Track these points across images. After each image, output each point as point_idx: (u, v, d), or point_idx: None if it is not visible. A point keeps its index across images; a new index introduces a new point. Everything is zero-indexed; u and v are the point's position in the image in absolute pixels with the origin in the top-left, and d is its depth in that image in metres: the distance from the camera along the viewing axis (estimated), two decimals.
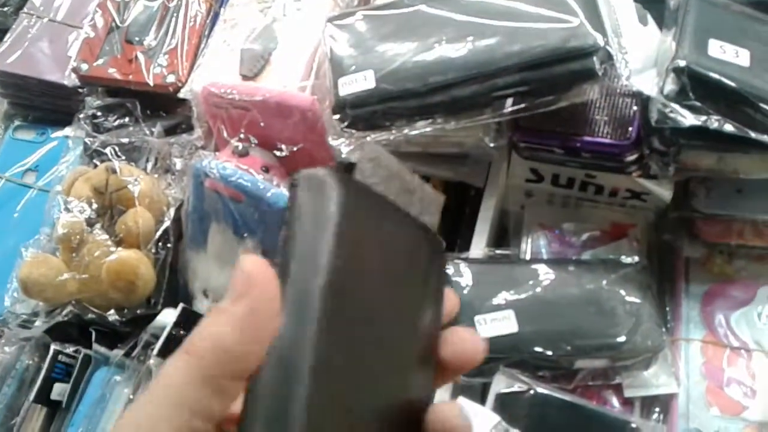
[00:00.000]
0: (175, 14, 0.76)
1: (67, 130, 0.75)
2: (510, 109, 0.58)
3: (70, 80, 0.75)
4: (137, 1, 0.77)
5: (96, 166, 0.69)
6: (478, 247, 0.65)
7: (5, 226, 0.73)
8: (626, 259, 0.63)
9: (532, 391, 0.55)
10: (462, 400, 0.54)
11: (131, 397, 0.64)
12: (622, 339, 0.58)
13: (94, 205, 0.66)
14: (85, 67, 0.74)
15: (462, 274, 0.60)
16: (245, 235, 0.64)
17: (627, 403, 0.60)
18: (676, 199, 0.66)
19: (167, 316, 0.66)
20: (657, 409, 0.60)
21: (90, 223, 0.66)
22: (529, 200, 0.72)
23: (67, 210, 0.66)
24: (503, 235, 0.72)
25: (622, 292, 0.60)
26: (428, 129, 0.59)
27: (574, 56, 0.56)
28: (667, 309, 0.65)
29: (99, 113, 0.72)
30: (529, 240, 0.69)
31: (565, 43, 0.55)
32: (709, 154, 0.59)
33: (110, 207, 0.66)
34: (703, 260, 0.66)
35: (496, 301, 0.59)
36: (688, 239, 0.67)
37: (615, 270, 0.62)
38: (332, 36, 0.62)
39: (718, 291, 0.64)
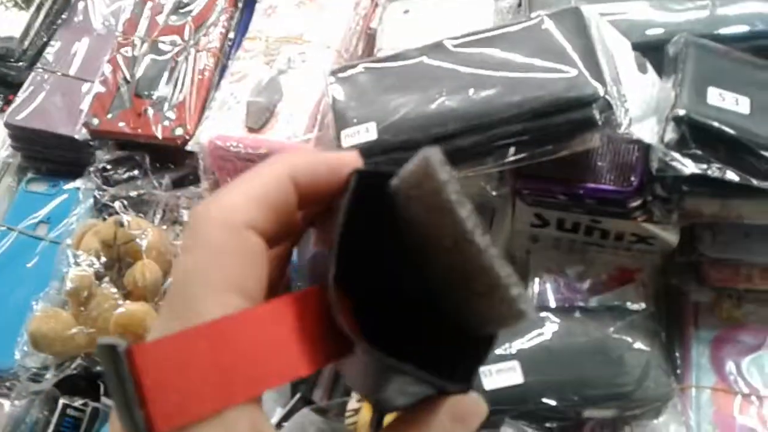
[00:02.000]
0: (183, 68, 0.78)
1: (78, 183, 0.76)
2: (512, 159, 0.59)
3: (82, 134, 0.77)
4: (147, 55, 0.79)
5: (105, 219, 0.70)
6: None
7: (17, 278, 0.74)
8: (633, 306, 0.62)
9: None
10: None
11: None
12: (630, 388, 0.57)
13: (103, 259, 0.67)
14: (96, 121, 0.75)
15: None
16: None
17: None
18: (682, 244, 0.66)
19: None
20: None
21: (99, 276, 0.67)
22: (535, 245, 0.72)
23: (77, 264, 0.67)
24: None
25: (630, 339, 0.60)
26: None
27: (574, 106, 0.56)
28: (677, 355, 0.64)
29: (109, 166, 0.74)
30: (536, 285, 0.69)
31: (564, 93, 0.56)
32: (712, 200, 0.59)
33: (119, 260, 0.67)
34: (711, 305, 0.66)
35: (500, 351, 0.59)
36: (695, 283, 0.66)
37: (622, 317, 0.61)
38: (335, 88, 0.63)
39: (727, 336, 0.64)
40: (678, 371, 0.63)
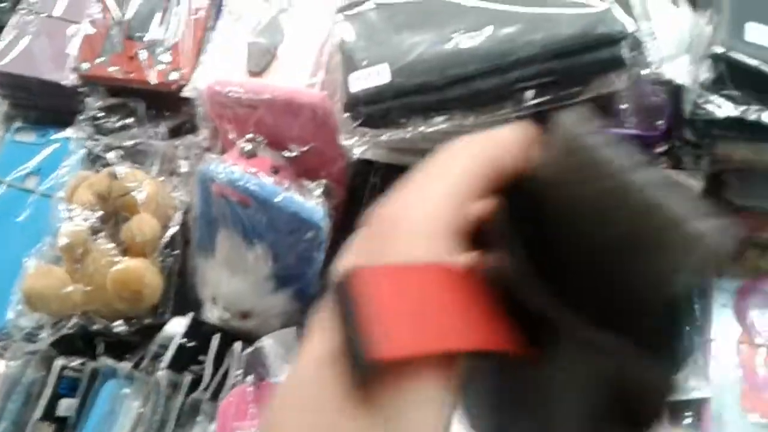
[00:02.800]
0: (177, 6, 0.73)
1: (69, 132, 0.72)
2: (533, 102, 0.55)
3: (70, 80, 0.72)
4: None
5: (99, 170, 0.67)
6: None
7: (8, 233, 0.71)
8: None
9: None
10: None
11: (141, 411, 0.62)
12: None
13: (98, 213, 0.64)
14: (85, 66, 0.71)
15: None
16: (254, 240, 0.61)
17: None
18: (707, 191, 0.63)
19: (176, 326, 0.63)
20: (688, 414, 0.57)
21: (94, 231, 0.63)
22: None
23: (70, 218, 0.63)
24: None
25: None
26: (446, 125, 0.56)
27: (601, 44, 0.52)
28: (698, 307, 0.62)
29: (100, 114, 0.69)
30: None
31: (591, 29, 0.52)
32: (745, 145, 0.55)
33: (114, 214, 0.64)
34: (735, 255, 0.63)
35: None
36: None
37: None
38: (343, 27, 0.59)
39: (751, 287, 0.61)
40: (699, 324, 0.60)
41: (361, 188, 0.72)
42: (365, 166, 0.72)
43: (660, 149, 0.59)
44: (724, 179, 0.63)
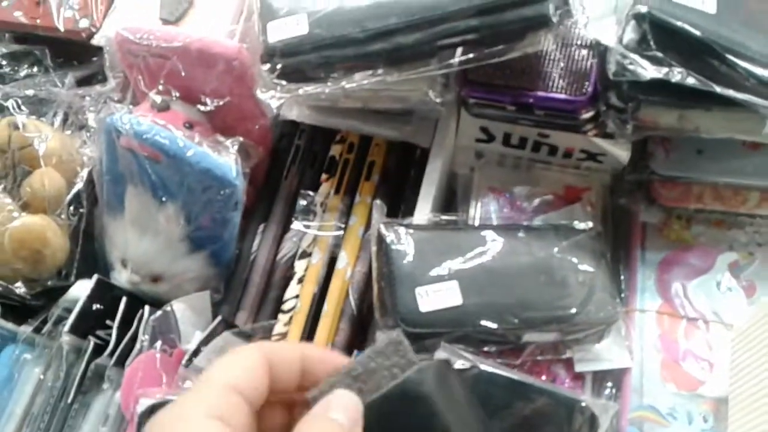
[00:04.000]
0: None
1: None
2: (458, 59, 0.53)
3: None
4: None
5: None
6: (423, 212, 0.60)
7: None
8: (579, 225, 0.59)
9: (475, 369, 0.50)
10: None
11: (41, 377, 0.59)
12: (573, 311, 0.54)
13: None
14: None
15: (404, 241, 0.55)
16: (165, 199, 0.58)
17: (578, 378, 0.56)
18: (633, 161, 0.62)
19: (81, 289, 0.60)
20: (609, 384, 0.56)
21: None
22: (479, 162, 0.67)
23: None
24: (451, 200, 0.67)
25: (575, 260, 0.56)
26: (367, 81, 0.53)
27: (527, 1, 0.51)
28: (622, 278, 0.61)
29: (4, 62, 0.65)
30: (479, 205, 0.64)
31: None
32: (670, 110, 0.54)
33: (14, 167, 0.60)
34: (660, 226, 0.63)
35: (439, 271, 0.54)
36: (645, 203, 0.63)
37: (567, 236, 0.57)
38: None
39: (675, 258, 0.61)
40: (623, 294, 0.60)
41: (285, 151, 0.69)
42: (291, 128, 0.70)
43: (586, 115, 0.58)
44: (650, 150, 0.62)
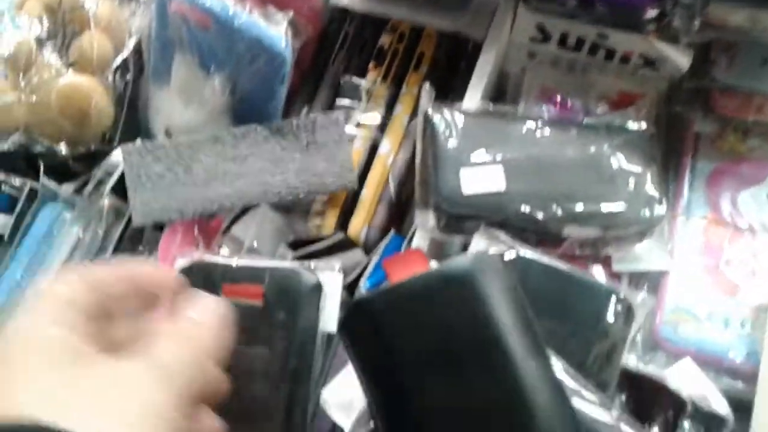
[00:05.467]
0: None
1: None
2: None
3: None
4: None
5: None
6: (472, 102, 0.59)
7: None
8: (632, 125, 0.57)
9: (513, 253, 0.50)
10: None
11: (80, 236, 0.59)
12: (617, 207, 0.52)
13: (46, 24, 0.59)
14: None
15: (450, 123, 0.54)
16: (212, 68, 0.57)
17: (614, 277, 0.55)
18: (693, 69, 0.60)
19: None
20: (645, 287, 0.55)
21: (41, 43, 0.59)
22: (532, 62, 0.65)
23: (17, 27, 0.59)
24: (500, 100, 0.66)
25: (624, 158, 0.54)
26: None
27: None
28: (671, 185, 0.60)
29: None
30: (528, 104, 0.63)
31: None
32: (741, 8, 0.52)
33: (63, 27, 0.59)
34: (714, 137, 0.61)
35: (485, 155, 0.53)
36: (701, 112, 0.61)
37: (619, 135, 0.56)
38: None
39: (727, 169, 0.59)
40: (670, 200, 0.58)
41: (334, 36, 0.68)
42: (341, 14, 0.68)
43: (651, 12, 0.55)
44: (712, 57, 0.60)
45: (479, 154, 0.53)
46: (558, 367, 0.36)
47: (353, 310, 0.35)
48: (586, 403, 0.40)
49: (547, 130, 0.55)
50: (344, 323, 0.34)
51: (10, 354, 0.28)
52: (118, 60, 0.60)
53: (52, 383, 0.27)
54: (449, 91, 0.63)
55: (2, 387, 0.27)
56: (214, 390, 0.31)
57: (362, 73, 0.64)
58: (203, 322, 0.32)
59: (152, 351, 0.30)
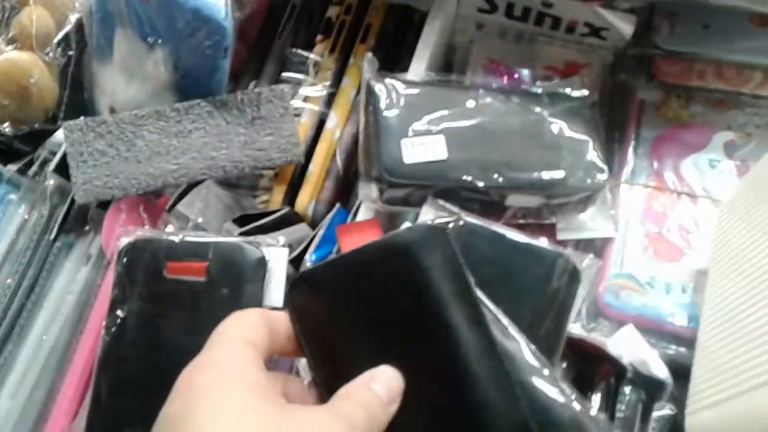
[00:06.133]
0: None
1: None
2: None
3: None
4: None
5: None
6: (417, 73, 0.59)
7: None
8: (575, 93, 0.57)
9: (460, 222, 0.50)
10: None
11: (26, 217, 0.59)
12: (560, 174, 0.53)
13: None
14: None
15: (392, 93, 0.54)
16: (153, 42, 0.57)
17: (560, 245, 0.55)
18: (636, 36, 0.60)
19: None
20: (591, 255, 0.56)
21: None
22: (479, 33, 0.65)
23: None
24: (447, 71, 0.66)
25: (566, 125, 0.55)
26: None
27: None
28: (616, 153, 0.60)
29: None
30: (475, 73, 0.63)
31: None
32: None
33: (2, 2, 0.58)
34: (658, 104, 0.61)
35: (427, 125, 0.53)
36: (645, 80, 0.61)
37: (561, 103, 0.56)
38: None
39: (670, 135, 0.60)
40: (614, 168, 0.59)
41: (281, 9, 0.67)
42: None
43: None
44: (654, 24, 0.60)
45: (421, 124, 0.53)
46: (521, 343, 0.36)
47: (297, 283, 0.35)
48: (542, 380, 0.40)
49: (489, 99, 0.55)
50: (289, 296, 0.34)
51: (213, 384, 0.29)
52: (60, 35, 0.59)
53: (258, 419, 0.28)
54: (397, 62, 0.63)
55: (212, 415, 0.28)
56: None
57: (310, 46, 0.63)
58: (382, 397, 0.31)
59: (338, 407, 0.31)
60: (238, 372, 0.30)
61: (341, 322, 0.33)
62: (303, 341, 0.33)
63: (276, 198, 0.59)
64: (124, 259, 0.49)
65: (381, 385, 0.31)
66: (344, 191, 0.60)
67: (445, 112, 0.54)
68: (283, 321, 0.34)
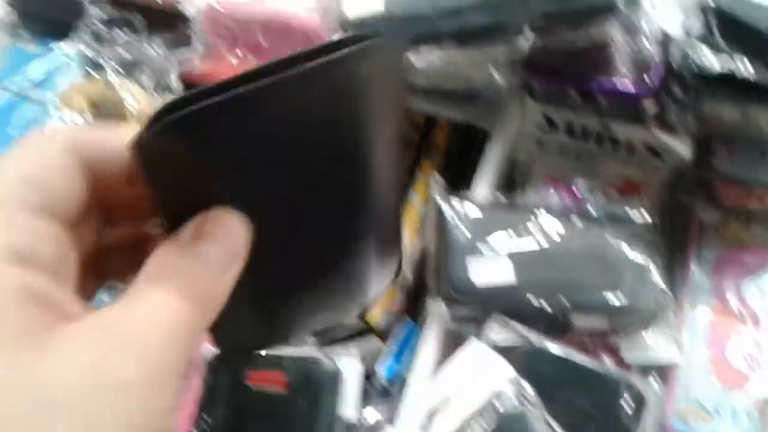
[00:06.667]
0: None
1: (69, 42, 0.73)
2: (524, 43, 0.55)
3: None
4: None
5: (95, 79, 0.67)
6: (481, 192, 0.62)
7: (3, 133, 0.71)
8: (635, 216, 0.59)
9: (526, 343, 0.52)
10: (477, 345, 0.52)
11: None
12: (622, 298, 0.55)
13: (90, 118, 0.64)
14: None
15: (460, 214, 0.57)
16: None
17: (624, 366, 0.56)
18: (695, 159, 0.63)
19: None
20: (656, 378, 0.57)
21: None
22: (540, 151, 0.68)
23: (62, 120, 0.64)
24: (510, 187, 0.69)
25: (628, 249, 0.57)
26: (434, 57, 0.56)
27: None
28: (676, 273, 0.62)
29: (101, 25, 0.70)
30: (537, 191, 0.66)
31: None
32: (733, 106, 0.55)
33: (105, 121, 0.64)
34: (717, 225, 0.63)
35: (493, 246, 0.56)
36: (703, 202, 0.63)
37: (623, 226, 0.58)
38: None
39: (730, 257, 0.61)
40: (675, 289, 0.60)
41: None
42: None
43: (648, 104, 0.59)
44: (712, 147, 0.63)
45: (488, 244, 0.56)
46: None
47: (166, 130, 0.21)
48: None
49: (553, 221, 0.58)
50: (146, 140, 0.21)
51: None
52: None
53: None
54: (462, 179, 0.66)
55: None
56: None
57: None
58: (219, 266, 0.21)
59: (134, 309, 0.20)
60: None
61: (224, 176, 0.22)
62: (159, 196, 0.22)
63: None
64: (210, 364, 0.53)
65: (216, 244, 0.21)
66: (413, 303, 0.63)
67: (510, 233, 0.56)
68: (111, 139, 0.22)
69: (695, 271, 0.61)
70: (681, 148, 0.62)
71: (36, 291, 0.19)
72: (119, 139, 0.22)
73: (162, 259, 0.21)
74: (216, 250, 0.21)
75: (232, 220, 0.22)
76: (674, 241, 0.63)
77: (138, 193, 0.22)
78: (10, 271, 0.19)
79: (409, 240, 0.64)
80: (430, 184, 0.63)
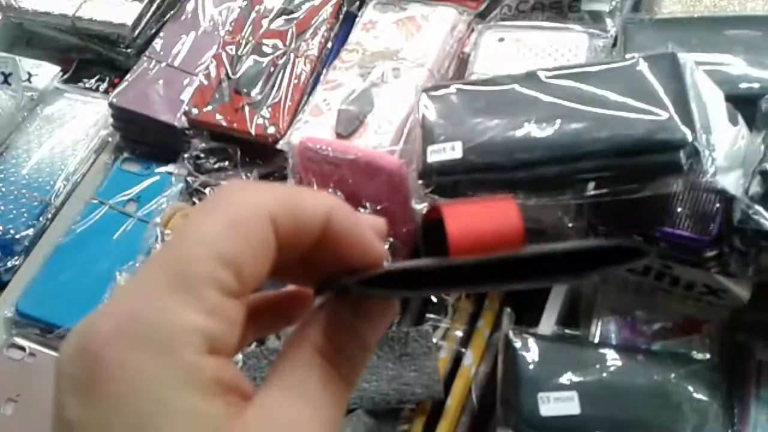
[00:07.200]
0: (282, 71, 0.81)
1: (171, 167, 0.81)
2: (592, 193, 0.60)
3: (180, 122, 0.81)
4: (249, 55, 0.83)
5: (194, 203, 0.74)
6: (547, 325, 0.66)
7: (104, 249, 0.78)
8: (697, 355, 0.62)
9: None
10: None
11: None
12: None
13: None
14: (195, 111, 0.80)
15: (529, 348, 0.61)
16: None
17: None
18: (754, 300, 0.65)
19: None
20: None
21: None
22: (603, 285, 0.72)
23: (163, 241, 0.71)
24: (573, 317, 0.72)
25: (690, 388, 0.59)
26: None
27: (661, 149, 0.57)
28: (735, 411, 0.63)
29: (202, 155, 0.78)
30: (599, 324, 0.69)
31: (652, 135, 0.57)
32: None
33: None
34: None
35: (561, 380, 0.59)
36: (763, 342, 0.65)
37: (685, 365, 0.61)
38: (426, 105, 0.65)
39: None
40: (735, 428, 0.62)
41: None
42: None
43: (709, 254, 0.62)
44: None
45: (556, 379, 0.59)
46: None
47: None
48: None
49: (617, 357, 0.61)
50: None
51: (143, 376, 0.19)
52: None
53: None
54: (527, 310, 0.70)
55: None
56: None
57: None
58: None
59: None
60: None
61: None
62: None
63: (416, 429, 0.65)
64: None
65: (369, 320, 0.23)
66: (478, 427, 0.66)
67: (577, 369, 0.60)
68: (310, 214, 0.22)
69: (755, 410, 0.63)
70: (740, 291, 0.65)
71: (225, 382, 0.20)
72: (314, 206, 0.22)
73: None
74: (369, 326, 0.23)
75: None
76: (734, 379, 0.65)
77: (306, 257, 0.22)
78: (207, 362, 0.19)
79: (475, 364, 0.67)
80: (497, 313, 0.67)
